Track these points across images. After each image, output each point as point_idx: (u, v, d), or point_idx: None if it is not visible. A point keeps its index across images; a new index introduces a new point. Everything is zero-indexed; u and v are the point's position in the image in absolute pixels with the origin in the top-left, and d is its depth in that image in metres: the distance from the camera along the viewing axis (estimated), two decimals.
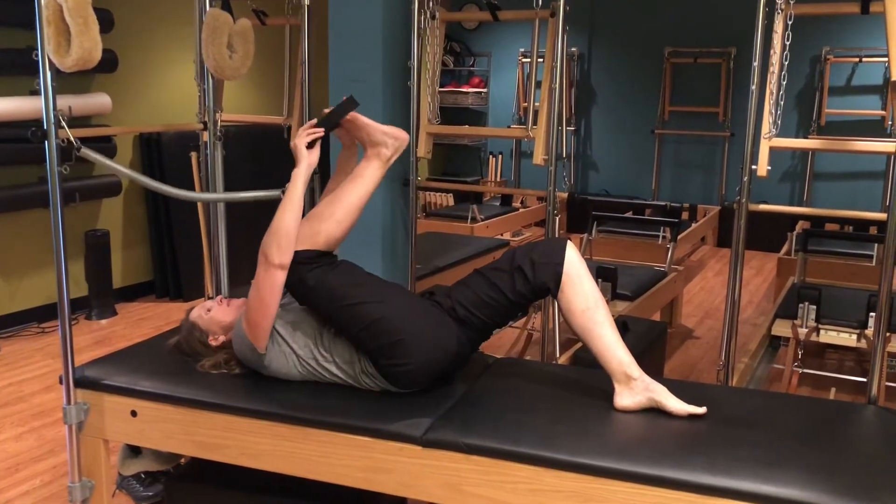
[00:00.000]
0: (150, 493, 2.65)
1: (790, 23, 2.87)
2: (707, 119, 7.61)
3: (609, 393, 2.08)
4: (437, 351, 2.11)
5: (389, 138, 2.22)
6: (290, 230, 2.11)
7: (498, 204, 7.44)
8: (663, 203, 6.73)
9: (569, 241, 2.15)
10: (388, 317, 2.08)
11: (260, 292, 2.12)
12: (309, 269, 2.12)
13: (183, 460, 2.61)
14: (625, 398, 2.06)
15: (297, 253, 2.11)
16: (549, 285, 2.10)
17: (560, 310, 2.18)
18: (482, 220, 6.53)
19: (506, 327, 4.24)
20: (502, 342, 4.37)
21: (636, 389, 2.05)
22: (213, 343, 2.32)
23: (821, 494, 1.68)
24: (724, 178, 7.58)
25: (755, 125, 2.76)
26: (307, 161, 2.20)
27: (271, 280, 2.11)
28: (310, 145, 2.21)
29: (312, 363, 2.18)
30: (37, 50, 2.07)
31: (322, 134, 2.22)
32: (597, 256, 5.37)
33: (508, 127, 8.24)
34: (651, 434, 1.95)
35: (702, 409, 2.02)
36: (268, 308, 2.13)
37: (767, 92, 2.92)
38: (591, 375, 2.28)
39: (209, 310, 2.35)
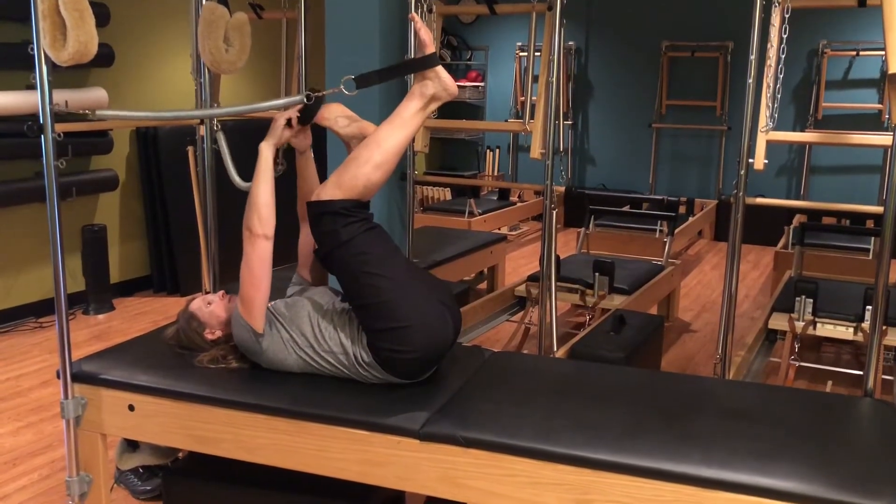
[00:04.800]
0: (148, 488, 2.66)
1: (787, 16, 2.87)
2: (704, 113, 7.60)
3: (605, 386, 2.09)
4: (437, 345, 2.12)
5: (436, 76, 2.14)
6: (269, 201, 2.17)
7: (495, 198, 7.45)
8: (660, 197, 6.73)
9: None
10: (401, 302, 2.06)
11: (249, 265, 2.14)
12: (345, 222, 2.07)
13: (181, 454, 2.62)
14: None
15: (334, 202, 2.07)
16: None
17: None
18: (479, 215, 6.53)
19: (504, 321, 4.25)
20: (500, 336, 4.38)
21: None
22: (210, 336, 2.32)
23: (817, 486, 1.69)
24: (721, 172, 7.58)
25: (752, 119, 2.76)
26: (276, 135, 2.24)
27: (258, 251, 2.14)
28: (287, 123, 2.25)
29: (309, 350, 2.18)
30: (32, 44, 2.06)
31: (292, 115, 2.24)
32: (594, 250, 5.38)
33: (505, 121, 8.25)
34: (649, 427, 1.95)
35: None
36: (259, 281, 2.15)
37: (764, 86, 2.92)
38: (588, 369, 2.29)
39: (210, 303, 2.35)
